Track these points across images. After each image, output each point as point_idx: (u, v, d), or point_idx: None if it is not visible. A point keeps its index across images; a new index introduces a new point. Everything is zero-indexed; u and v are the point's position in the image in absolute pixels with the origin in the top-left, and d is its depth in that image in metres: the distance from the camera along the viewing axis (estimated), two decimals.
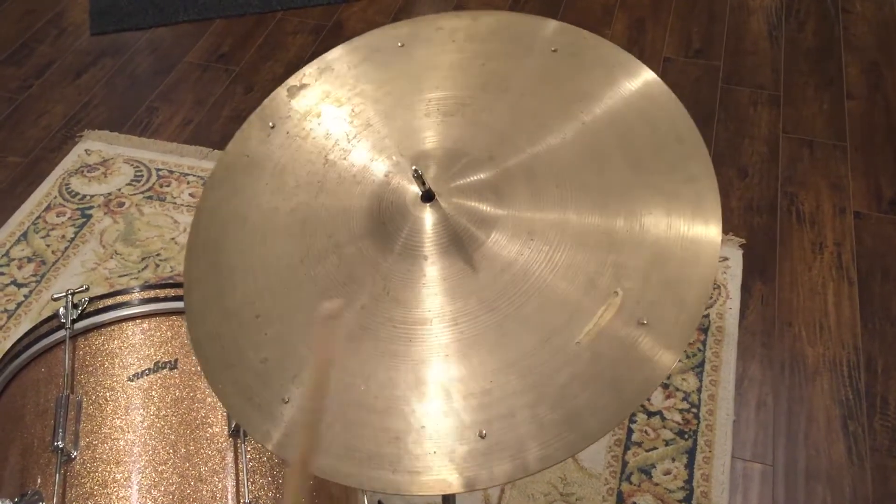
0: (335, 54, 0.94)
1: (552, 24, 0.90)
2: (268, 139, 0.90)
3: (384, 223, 0.80)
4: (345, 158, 0.86)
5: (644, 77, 0.85)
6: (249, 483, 0.97)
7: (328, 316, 0.72)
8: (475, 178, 0.81)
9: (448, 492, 0.67)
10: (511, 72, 0.88)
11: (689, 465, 1.56)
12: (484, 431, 0.68)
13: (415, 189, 0.80)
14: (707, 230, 0.73)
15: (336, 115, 0.90)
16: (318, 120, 0.90)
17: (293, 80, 0.93)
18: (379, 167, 0.85)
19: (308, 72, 0.94)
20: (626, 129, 0.81)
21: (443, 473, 0.67)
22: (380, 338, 0.74)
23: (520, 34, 0.91)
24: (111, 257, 1.94)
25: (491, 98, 0.87)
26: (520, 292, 0.73)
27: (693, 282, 0.71)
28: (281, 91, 0.93)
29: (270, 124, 0.91)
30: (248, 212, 0.86)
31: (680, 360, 1.72)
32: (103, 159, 2.19)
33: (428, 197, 0.79)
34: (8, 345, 1.72)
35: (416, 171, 0.75)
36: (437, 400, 0.70)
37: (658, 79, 0.84)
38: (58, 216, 2.04)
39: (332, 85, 0.92)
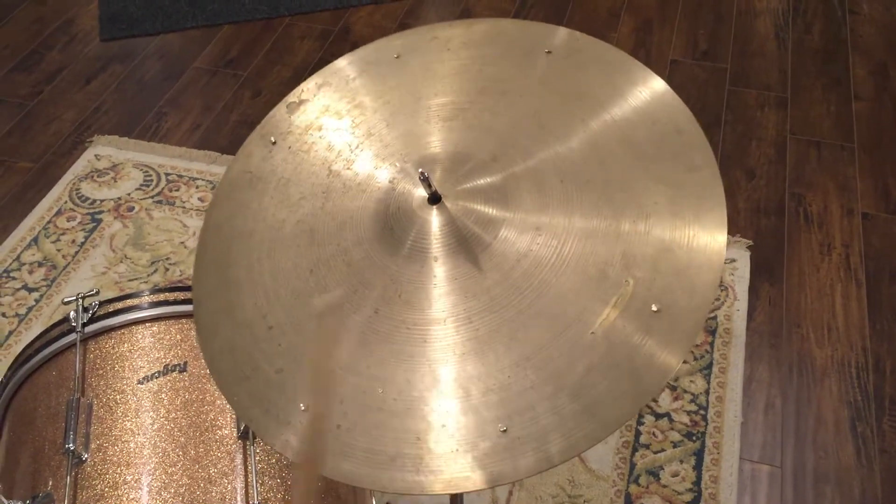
0: (332, 69, 0.96)
1: (544, 28, 0.91)
2: (270, 155, 0.91)
3: (392, 227, 0.81)
4: (349, 168, 0.87)
5: (638, 72, 0.85)
6: (258, 485, 0.97)
7: (326, 310, 0.72)
8: (480, 178, 0.82)
9: (473, 489, 0.68)
10: (508, 75, 0.89)
11: (697, 467, 1.56)
12: (505, 426, 0.69)
13: (420, 193, 0.81)
14: (712, 216, 0.74)
15: (337, 126, 0.91)
16: (320, 133, 0.91)
17: (292, 97, 0.95)
18: (383, 174, 0.85)
19: (306, 88, 0.95)
20: (625, 124, 0.82)
21: (466, 471, 0.68)
22: (395, 340, 0.75)
23: (513, 39, 0.92)
24: (121, 261, 1.95)
25: (490, 101, 0.88)
26: (531, 287, 0.74)
27: (702, 266, 0.72)
28: (280, 108, 0.94)
29: (272, 140, 0.92)
30: (255, 226, 0.87)
31: (687, 362, 1.72)
32: (113, 164, 2.20)
33: (434, 199, 0.80)
34: (19, 348, 1.73)
35: (422, 173, 0.76)
36: (456, 398, 0.71)
37: (652, 72, 0.85)
38: (68, 221, 2.05)
39: (330, 99, 0.93)
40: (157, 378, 1.04)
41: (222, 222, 0.89)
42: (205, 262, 0.87)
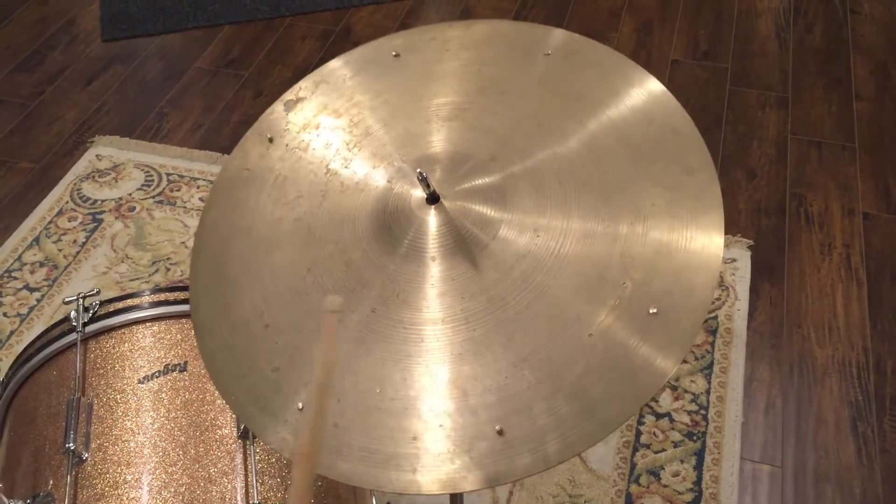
0: (330, 68, 0.96)
1: (543, 29, 0.92)
2: (267, 152, 0.91)
3: (390, 227, 0.81)
4: (346, 167, 0.87)
5: (636, 74, 0.85)
6: (258, 484, 0.97)
7: (331, 310, 0.72)
8: (478, 178, 0.82)
9: (469, 489, 0.68)
10: (507, 76, 0.89)
11: (698, 467, 1.56)
12: (501, 427, 0.69)
13: (418, 193, 0.81)
14: (710, 218, 0.74)
15: (335, 125, 0.91)
16: (317, 131, 0.91)
17: (289, 95, 0.94)
18: (381, 173, 0.85)
19: (304, 86, 0.95)
20: (623, 125, 0.82)
21: (463, 471, 0.68)
22: (392, 340, 0.75)
23: (512, 40, 0.92)
24: (122, 261, 1.95)
25: (489, 101, 0.88)
26: (529, 288, 0.74)
27: (700, 268, 0.72)
28: (277, 105, 0.94)
29: (269, 138, 0.92)
30: (252, 224, 0.87)
31: (688, 362, 1.72)
32: (114, 164, 2.20)
33: (433, 199, 0.80)
34: (21, 348, 1.73)
35: (420, 173, 0.76)
36: (453, 398, 0.71)
37: (649, 74, 0.85)
38: (69, 221, 2.06)
39: (328, 97, 0.93)
40: (157, 377, 1.04)
41: (219, 220, 0.89)
42: (201, 259, 0.87)
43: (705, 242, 0.73)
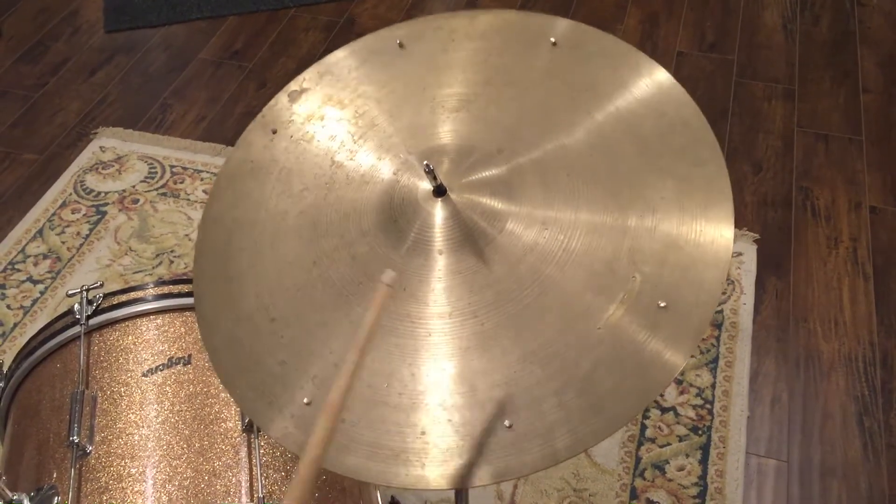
0: (334, 58, 0.94)
1: (550, 19, 0.90)
2: (271, 144, 0.90)
3: (395, 220, 0.80)
4: (352, 159, 0.86)
5: (644, 65, 0.84)
6: (263, 478, 0.97)
7: (386, 283, 0.69)
8: (485, 170, 0.81)
9: (478, 484, 0.67)
10: (513, 66, 0.88)
11: (703, 461, 1.55)
12: (510, 422, 0.68)
13: (425, 185, 0.80)
14: (719, 211, 0.73)
15: (340, 116, 0.90)
16: (322, 123, 0.90)
17: (293, 85, 0.93)
18: (387, 165, 0.85)
19: (308, 76, 0.93)
20: (632, 117, 0.81)
21: (471, 466, 0.68)
22: (399, 334, 0.74)
23: (519, 30, 0.91)
24: (126, 254, 1.95)
25: (495, 93, 0.87)
26: (537, 282, 0.74)
27: (709, 263, 0.71)
28: (282, 96, 0.93)
29: (272, 129, 0.91)
30: (256, 217, 0.86)
31: (693, 356, 1.71)
32: (118, 156, 2.20)
33: (440, 192, 0.79)
34: (24, 341, 1.73)
35: (427, 166, 0.75)
36: (462, 393, 0.71)
37: (658, 65, 0.84)
38: (73, 213, 2.05)
39: (333, 88, 0.92)
40: (161, 371, 1.04)
41: (223, 213, 0.88)
42: (205, 253, 0.86)
43: (715, 236, 0.72)
